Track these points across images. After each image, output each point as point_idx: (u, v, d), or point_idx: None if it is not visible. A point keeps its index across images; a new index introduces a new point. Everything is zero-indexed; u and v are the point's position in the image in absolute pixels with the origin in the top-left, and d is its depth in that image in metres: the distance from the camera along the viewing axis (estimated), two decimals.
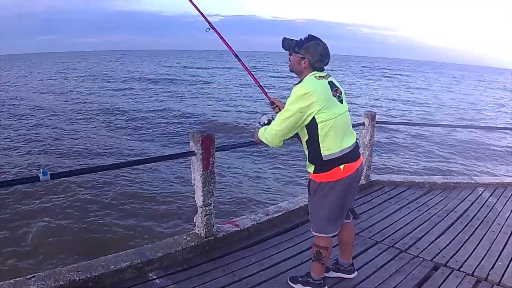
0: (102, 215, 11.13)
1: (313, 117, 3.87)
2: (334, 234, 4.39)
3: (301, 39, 4.07)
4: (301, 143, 4.23)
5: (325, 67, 4.17)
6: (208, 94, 39.47)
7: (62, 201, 11.91)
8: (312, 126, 3.93)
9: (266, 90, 4.86)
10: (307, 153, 4.16)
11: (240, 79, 50.94)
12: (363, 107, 30.30)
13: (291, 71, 4.23)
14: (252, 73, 5.12)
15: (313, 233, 4.41)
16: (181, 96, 37.50)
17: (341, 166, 3.99)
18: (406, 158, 18.49)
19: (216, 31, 5.06)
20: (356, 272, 5.01)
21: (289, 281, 4.80)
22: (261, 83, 4.95)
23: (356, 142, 4.26)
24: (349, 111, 4.26)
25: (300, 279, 4.72)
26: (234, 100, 35.77)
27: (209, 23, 5.04)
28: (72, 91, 41.98)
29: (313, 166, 4.12)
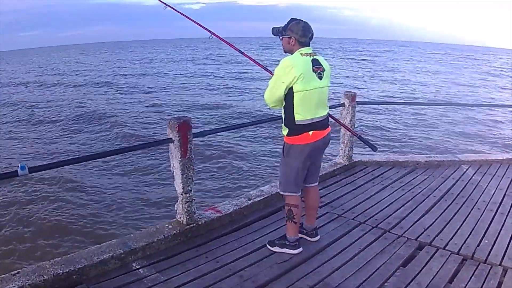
0: (83, 207, 11.06)
1: (291, 87, 4.44)
2: (299, 194, 4.96)
3: (285, 24, 4.68)
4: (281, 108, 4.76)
5: (311, 43, 4.72)
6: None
7: (42, 195, 11.84)
8: (289, 94, 4.51)
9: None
10: (283, 117, 4.73)
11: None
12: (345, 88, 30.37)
13: (285, 52, 4.78)
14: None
15: (281, 192, 5.04)
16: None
17: (310, 132, 4.61)
18: (390, 137, 18.51)
19: (218, 37, 6.15)
20: (318, 236, 5.46)
21: (267, 245, 5.23)
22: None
23: (327, 115, 4.88)
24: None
25: (277, 242, 5.18)
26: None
27: (211, 32, 6.11)
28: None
29: (287, 130, 4.71)
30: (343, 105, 7.94)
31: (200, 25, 6.29)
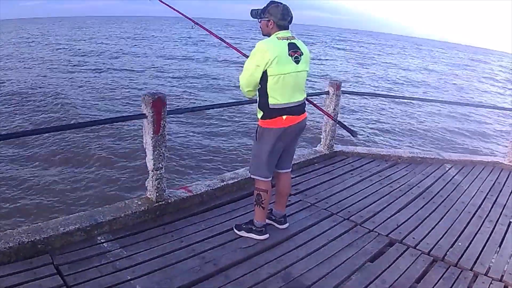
0: (53, 178, 10.96)
1: (265, 70, 4.40)
2: (269, 179, 4.91)
3: (264, 6, 4.64)
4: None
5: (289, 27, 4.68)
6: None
7: (12, 165, 11.78)
8: (264, 78, 4.46)
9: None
10: (258, 100, 4.70)
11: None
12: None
13: (264, 35, 4.72)
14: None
15: (252, 176, 5.00)
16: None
17: (284, 117, 4.57)
18: (374, 130, 18.39)
19: (201, 26, 6.27)
20: (287, 224, 5.39)
21: (234, 229, 5.20)
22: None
23: (304, 100, 4.82)
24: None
25: (243, 226, 5.15)
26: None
27: (194, 21, 6.28)
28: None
29: (262, 113, 4.66)
30: (327, 93, 7.80)
31: (184, 15, 6.36)
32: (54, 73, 28.57)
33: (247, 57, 4.80)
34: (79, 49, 44.51)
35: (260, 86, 4.55)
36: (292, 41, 4.56)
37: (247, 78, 4.53)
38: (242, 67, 4.62)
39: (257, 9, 4.73)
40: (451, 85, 37.58)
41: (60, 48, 46.49)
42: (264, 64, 4.36)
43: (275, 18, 4.52)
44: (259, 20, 4.70)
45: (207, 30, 6.31)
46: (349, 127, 5.84)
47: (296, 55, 4.52)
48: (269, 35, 4.62)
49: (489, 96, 33.60)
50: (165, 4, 6.40)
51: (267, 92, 4.50)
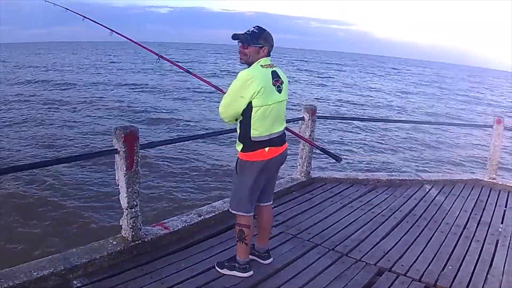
0: (22, 219, 10.52)
1: (250, 101, 4.18)
2: (252, 213, 4.69)
3: (253, 31, 4.37)
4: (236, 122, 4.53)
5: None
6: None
7: None
8: (247, 109, 4.25)
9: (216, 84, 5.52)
10: (238, 132, 4.50)
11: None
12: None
13: (244, 63, 4.46)
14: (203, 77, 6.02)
15: (233, 211, 4.72)
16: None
17: (266, 149, 4.39)
18: (350, 154, 18.21)
19: (166, 59, 6.13)
20: (271, 259, 5.16)
21: (216, 267, 4.93)
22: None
23: (284, 130, 4.67)
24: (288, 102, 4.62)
25: (226, 263, 4.89)
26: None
27: (157, 55, 6.16)
28: None
29: (242, 145, 4.46)
30: (302, 119, 7.68)
31: (147, 48, 6.44)
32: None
33: (221, 91, 4.74)
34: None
35: (241, 117, 4.36)
36: (274, 69, 4.41)
37: (230, 109, 4.34)
38: (211, 96, 4.42)
39: (245, 33, 4.41)
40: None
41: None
42: (250, 95, 4.16)
43: (270, 45, 4.39)
44: (247, 45, 4.37)
45: (172, 62, 6.21)
46: (332, 152, 5.67)
47: (278, 84, 4.38)
48: (251, 63, 4.39)
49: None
50: (126, 37, 6.38)
51: (250, 124, 4.30)
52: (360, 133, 22.64)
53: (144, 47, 6.53)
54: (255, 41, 4.34)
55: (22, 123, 21.89)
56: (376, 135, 22.43)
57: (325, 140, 19.58)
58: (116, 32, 6.54)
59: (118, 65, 65.84)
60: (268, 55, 4.41)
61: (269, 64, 4.37)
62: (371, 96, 41.77)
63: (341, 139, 21.26)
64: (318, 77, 60.81)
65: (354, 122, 24.41)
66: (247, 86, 4.15)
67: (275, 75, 4.36)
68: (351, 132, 22.77)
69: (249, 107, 4.23)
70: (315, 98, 36.55)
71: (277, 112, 4.40)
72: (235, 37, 4.44)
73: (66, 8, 7.27)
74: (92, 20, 6.75)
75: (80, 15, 6.95)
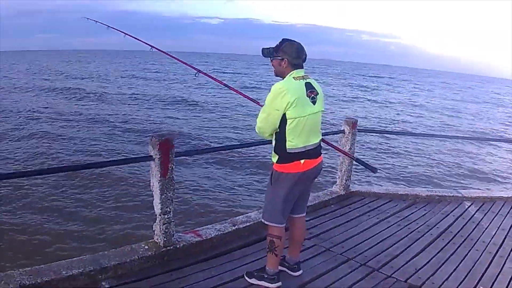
0: (58, 219, 10.81)
1: (284, 113, 4.22)
2: (284, 225, 4.68)
3: (277, 44, 4.46)
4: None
5: (304, 65, 4.50)
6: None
7: (16, 204, 11.62)
8: (282, 121, 4.29)
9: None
10: (274, 143, 4.51)
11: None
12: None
13: (276, 76, 4.55)
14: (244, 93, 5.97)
15: (265, 222, 4.74)
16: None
17: (302, 161, 4.38)
18: (390, 168, 18.05)
19: (205, 74, 6.24)
20: (301, 271, 5.13)
21: (245, 276, 4.95)
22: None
23: (320, 142, 4.67)
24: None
25: (255, 273, 4.90)
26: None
27: (196, 69, 6.21)
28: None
29: (277, 157, 4.47)
30: (343, 132, 7.65)
31: (184, 63, 6.59)
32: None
33: (257, 103, 4.80)
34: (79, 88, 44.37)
35: (278, 129, 4.39)
36: (308, 80, 4.42)
37: (266, 122, 4.38)
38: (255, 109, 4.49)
39: (269, 48, 4.54)
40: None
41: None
42: (283, 107, 4.20)
43: (290, 56, 4.36)
44: (271, 58, 4.52)
45: (211, 77, 6.29)
46: (368, 163, 5.65)
47: (313, 95, 4.38)
48: (282, 75, 4.46)
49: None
50: (166, 53, 6.62)
51: (285, 135, 4.33)
52: (401, 147, 22.45)
53: (183, 62, 6.64)
54: (275, 53, 4.45)
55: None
56: (416, 149, 22.23)
57: (364, 154, 19.38)
58: (156, 48, 6.69)
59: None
60: (297, 66, 4.41)
61: (302, 76, 4.38)
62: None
63: (381, 151, 21.17)
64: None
65: (400, 136, 24.17)
66: (280, 98, 4.19)
67: (309, 86, 4.37)
68: (392, 146, 22.59)
69: (283, 119, 4.26)
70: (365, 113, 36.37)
71: (312, 123, 4.41)
72: (262, 51, 4.61)
73: (108, 26, 7.45)
74: (133, 37, 6.89)
75: (121, 32, 7.12)
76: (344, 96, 48.70)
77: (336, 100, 42.49)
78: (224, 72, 77.63)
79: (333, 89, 56.28)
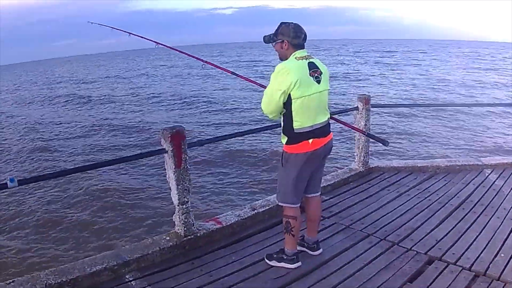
0: (78, 218, 11.00)
1: (289, 94, 4.28)
2: (298, 205, 4.77)
3: (276, 29, 4.56)
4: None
5: (305, 45, 4.55)
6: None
7: (35, 206, 11.83)
8: (287, 101, 4.35)
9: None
10: (282, 125, 4.58)
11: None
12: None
13: (281, 59, 4.58)
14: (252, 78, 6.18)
15: (280, 203, 4.85)
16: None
17: (310, 140, 4.43)
18: (409, 141, 17.99)
19: (211, 64, 6.39)
20: (321, 249, 5.21)
21: (265, 259, 5.03)
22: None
23: (328, 121, 4.69)
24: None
25: (275, 255, 4.98)
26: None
27: (202, 60, 6.33)
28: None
29: (286, 138, 4.55)
30: (356, 108, 7.63)
31: (190, 55, 6.72)
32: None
33: (263, 86, 4.80)
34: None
35: (284, 110, 4.44)
36: (311, 60, 4.46)
37: (270, 103, 4.42)
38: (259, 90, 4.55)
39: (269, 34, 4.63)
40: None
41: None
42: (286, 87, 4.24)
43: (288, 37, 4.43)
44: (273, 44, 4.61)
45: (217, 66, 6.40)
46: (379, 136, 5.67)
47: (316, 74, 4.42)
48: (285, 57, 4.51)
49: None
50: (170, 47, 6.69)
51: (291, 116, 4.38)
52: (419, 121, 22.20)
53: (188, 55, 6.78)
54: (275, 38, 4.55)
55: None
56: (436, 120, 22.00)
57: (380, 130, 19.27)
58: (161, 44, 6.81)
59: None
60: (298, 46, 4.47)
61: (304, 56, 4.43)
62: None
63: (398, 127, 20.95)
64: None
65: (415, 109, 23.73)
66: (283, 78, 4.25)
67: (312, 66, 4.42)
68: (409, 120, 22.35)
69: (288, 99, 4.32)
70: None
71: (318, 102, 4.45)
72: (263, 39, 4.74)
73: (112, 27, 7.60)
74: (137, 35, 6.99)
75: (126, 31, 7.26)
76: (361, 74, 48.49)
77: (349, 80, 42.25)
78: (241, 61, 77.31)
79: (347, 68, 56.01)
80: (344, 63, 63.79)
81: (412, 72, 50.11)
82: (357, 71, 51.25)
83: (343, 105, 21.75)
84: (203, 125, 21.93)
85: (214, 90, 37.32)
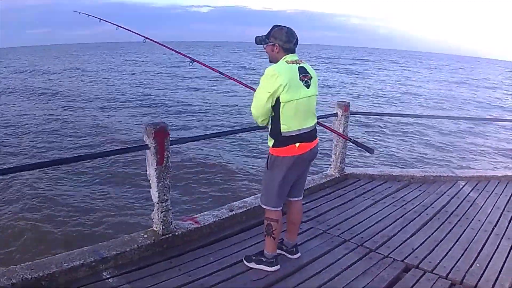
0: (56, 212, 10.83)
1: (278, 97, 4.26)
2: (281, 208, 4.76)
3: (268, 31, 4.53)
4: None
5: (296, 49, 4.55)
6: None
7: (12, 198, 11.71)
8: (276, 105, 4.33)
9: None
10: (269, 128, 4.56)
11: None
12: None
13: (271, 62, 4.57)
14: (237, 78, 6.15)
15: (263, 206, 4.80)
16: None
17: (297, 144, 4.42)
18: (384, 150, 18.11)
19: (200, 62, 6.34)
20: (299, 253, 5.21)
21: (244, 260, 5.02)
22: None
23: (315, 126, 4.69)
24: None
25: (253, 257, 4.97)
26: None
27: (191, 58, 6.28)
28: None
29: (273, 141, 4.52)
30: (335, 115, 7.69)
31: (179, 52, 6.68)
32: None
33: (251, 88, 4.81)
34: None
35: (272, 113, 4.43)
36: (301, 64, 4.46)
37: (259, 107, 4.38)
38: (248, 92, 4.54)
39: (261, 36, 4.61)
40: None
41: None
42: (275, 90, 4.22)
43: (280, 41, 4.42)
44: (264, 45, 4.59)
45: (206, 65, 6.34)
46: (365, 144, 5.68)
47: (306, 79, 4.41)
48: (275, 60, 4.50)
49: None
50: (159, 43, 6.87)
51: (279, 119, 4.37)
52: (393, 128, 22.55)
53: (177, 52, 6.70)
54: (266, 40, 4.53)
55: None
56: (411, 130, 22.25)
57: (358, 136, 19.44)
58: (149, 39, 6.76)
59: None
60: (289, 51, 4.46)
61: (295, 60, 4.42)
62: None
63: (375, 134, 21.24)
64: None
65: (391, 117, 24.05)
66: (273, 81, 4.22)
67: (302, 70, 4.41)
68: (384, 128, 22.65)
69: (277, 102, 4.29)
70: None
71: (307, 107, 4.45)
72: (255, 39, 4.69)
73: (100, 19, 7.55)
74: (125, 29, 6.96)
75: (114, 24, 7.19)
76: (336, 81, 48.73)
77: (324, 86, 42.43)
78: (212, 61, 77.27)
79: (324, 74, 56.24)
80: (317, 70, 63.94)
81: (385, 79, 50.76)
82: (325, 79, 51.46)
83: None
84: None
85: (186, 90, 37.10)
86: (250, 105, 4.54)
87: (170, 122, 21.68)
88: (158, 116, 24.40)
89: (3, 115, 24.06)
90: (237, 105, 27.71)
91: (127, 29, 7.01)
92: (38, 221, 10.26)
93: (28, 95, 33.15)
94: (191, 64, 6.24)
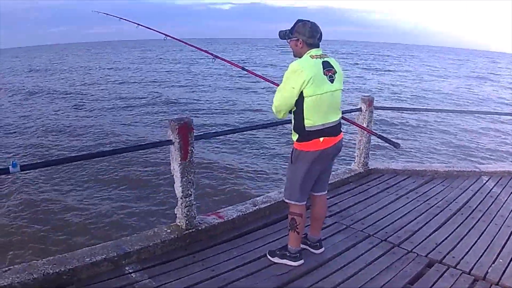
0: (79, 207, 10.90)
1: (301, 91, 4.25)
2: (305, 203, 4.74)
3: (292, 26, 4.52)
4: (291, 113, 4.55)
5: (320, 44, 4.52)
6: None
7: (36, 193, 11.74)
8: (299, 99, 4.31)
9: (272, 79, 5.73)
10: (292, 122, 4.54)
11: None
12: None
13: (295, 56, 4.57)
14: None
15: (286, 200, 4.81)
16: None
17: (321, 139, 4.41)
18: (409, 145, 17.97)
19: (222, 58, 6.34)
20: (323, 248, 5.20)
21: (267, 255, 5.03)
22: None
23: (340, 120, 4.68)
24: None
25: (277, 252, 4.97)
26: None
27: (213, 55, 6.37)
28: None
29: (297, 135, 4.50)
30: (359, 110, 7.69)
31: (202, 50, 6.70)
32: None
33: (275, 83, 4.78)
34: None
35: (295, 108, 4.42)
36: (325, 59, 4.43)
37: (282, 100, 4.40)
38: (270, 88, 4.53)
39: (285, 30, 4.60)
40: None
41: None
42: (299, 85, 4.22)
43: (304, 36, 4.41)
44: (288, 40, 4.58)
45: (228, 61, 6.38)
46: (390, 139, 5.66)
47: (330, 73, 4.40)
48: (300, 55, 4.49)
49: None
50: (180, 40, 6.95)
51: (303, 113, 4.35)
52: (419, 123, 22.44)
53: (199, 49, 6.73)
54: (290, 35, 4.52)
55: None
56: (433, 126, 22.11)
57: (384, 130, 19.42)
58: (170, 36, 6.81)
59: None
60: (313, 46, 4.44)
61: (319, 55, 4.39)
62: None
63: (400, 129, 21.15)
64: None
65: (412, 113, 23.95)
66: (296, 76, 4.22)
67: (326, 65, 4.38)
68: (409, 123, 22.52)
69: (300, 97, 4.29)
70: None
71: (331, 101, 4.43)
72: (279, 34, 4.67)
73: (120, 18, 7.58)
74: (146, 27, 6.98)
75: (134, 23, 7.25)
76: (357, 77, 48.52)
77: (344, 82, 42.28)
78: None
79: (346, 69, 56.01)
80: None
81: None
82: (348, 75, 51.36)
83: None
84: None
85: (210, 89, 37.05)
86: (272, 102, 4.54)
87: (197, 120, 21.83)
88: (179, 114, 24.24)
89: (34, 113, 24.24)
90: (258, 103, 27.59)
91: (147, 27, 7.03)
92: (61, 216, 10.35)
93: (50, 96, 33.23)
94: (213, 60, 6.30)
